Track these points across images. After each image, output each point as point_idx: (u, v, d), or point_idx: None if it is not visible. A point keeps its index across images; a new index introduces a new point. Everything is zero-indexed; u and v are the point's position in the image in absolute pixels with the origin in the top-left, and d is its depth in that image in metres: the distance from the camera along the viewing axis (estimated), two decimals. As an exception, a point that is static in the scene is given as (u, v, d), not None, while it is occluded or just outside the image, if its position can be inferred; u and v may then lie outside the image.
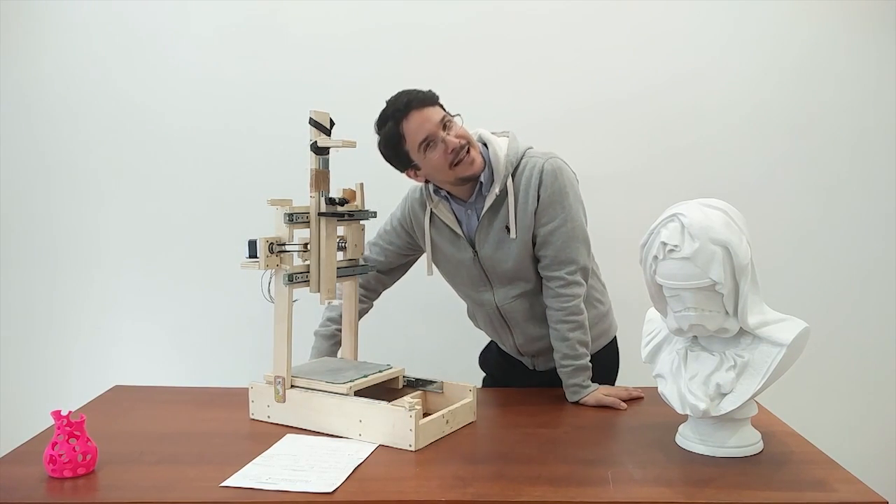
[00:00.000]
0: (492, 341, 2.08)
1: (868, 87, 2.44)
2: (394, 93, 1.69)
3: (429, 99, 1.68)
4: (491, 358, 2.09)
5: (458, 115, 1.73)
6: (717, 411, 1.37)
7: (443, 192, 1.79)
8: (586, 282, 1.80)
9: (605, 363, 1.93)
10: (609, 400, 1.72)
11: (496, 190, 1.72)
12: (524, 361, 1.97)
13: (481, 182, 1.74)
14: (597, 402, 1.73)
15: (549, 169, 1.73)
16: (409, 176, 1.76)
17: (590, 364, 1.77)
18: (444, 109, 1.70)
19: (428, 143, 1.66)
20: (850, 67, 2.44)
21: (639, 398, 1.76)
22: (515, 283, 1.81)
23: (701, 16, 2.43)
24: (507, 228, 1.75)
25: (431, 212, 1.82)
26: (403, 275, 2.01)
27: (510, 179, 1.73)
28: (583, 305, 1.79)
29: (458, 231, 1.80)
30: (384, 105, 1.70)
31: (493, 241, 1.77)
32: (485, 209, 1.75)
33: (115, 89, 2.50)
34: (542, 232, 1.75)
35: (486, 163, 1.74)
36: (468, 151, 1.68)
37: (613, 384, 1.93)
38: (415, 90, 1.68)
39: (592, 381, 1.77)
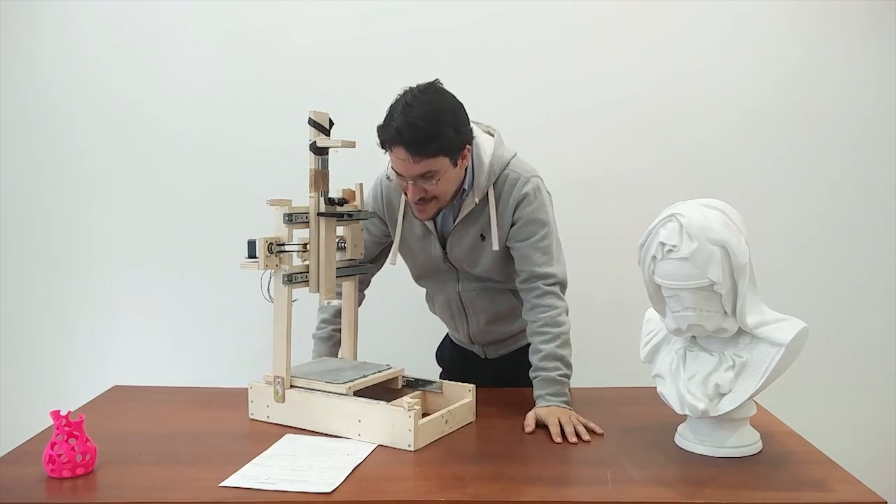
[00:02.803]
0: (446, 336, 2.14)
1: (868, 87, 2.44)
2: (395, 93, 1.60)
3: (426, 150, 1.54)
4: (446, 352, 2.13)
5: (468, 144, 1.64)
6: (715, 411, 1.37)
7: None
8: (564, 295, 1.74)
9: None
10: (552, 420, 1.54)
11: (476, 199, 1.70)
12: (475, 350, 2.01)
13: (464, 189, 1.71)
14: (539, 418, 1.57)
15: (530, 189, 1.70)
16: None
17: (562, 379, 1.64)
18: (443, 158, 1.57)
19: (397, 173, 1.64)
20: (851, 67, 2.43)
21: (595, 434, 1.55)
22: (482, 280, 1.85)
23: (700, 17, 2.43)
24: (483, 236, 1.74)
25: (407, 204, 1.76)
26: (385, 260, 1.95)
27: (491, 189, 1.71)
28: (563, 318, 1.70)
29: (431, 229, 1.78)
30: (403, 107, 1.55)
31: (467, 245, 1.76)
32: (461, 215, 1.73)
33: (113, 91, 2.49)
34: (520, 247, 1.72)
35: (470, 168, 1.70)
36: (428, 200, 1.64)
37: None
38: (422, 125, 1.53)
39: (563, 400, 1.64)
